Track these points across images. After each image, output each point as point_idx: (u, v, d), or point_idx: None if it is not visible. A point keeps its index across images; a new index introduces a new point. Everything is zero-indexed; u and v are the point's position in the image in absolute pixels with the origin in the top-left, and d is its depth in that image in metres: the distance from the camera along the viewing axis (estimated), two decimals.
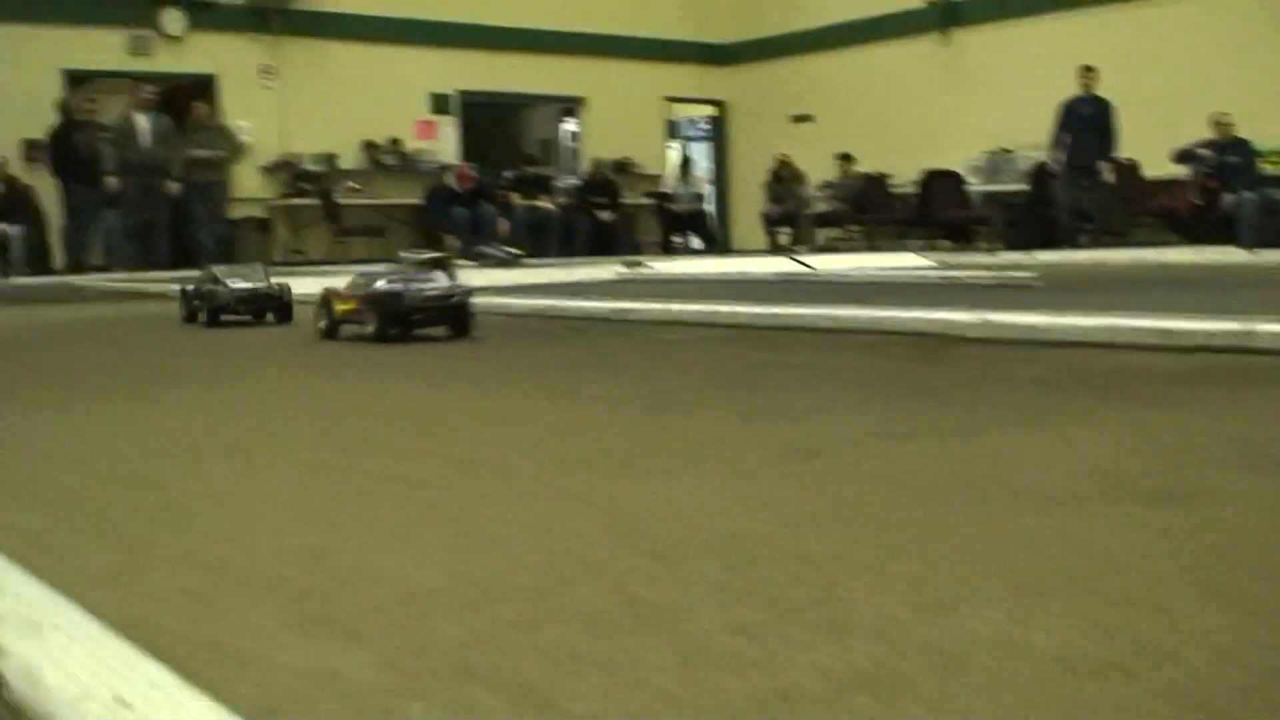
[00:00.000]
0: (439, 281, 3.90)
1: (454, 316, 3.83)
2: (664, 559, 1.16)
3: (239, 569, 1.19)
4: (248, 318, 4.83)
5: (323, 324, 4.03)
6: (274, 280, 4.97)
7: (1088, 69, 13.23)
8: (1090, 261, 9.45)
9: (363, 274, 4.13)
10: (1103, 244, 13.01)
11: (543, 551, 1.20)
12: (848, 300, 5.87)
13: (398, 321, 3.76)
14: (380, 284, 3.86)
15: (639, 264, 9.06)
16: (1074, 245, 13.04)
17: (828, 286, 6.96)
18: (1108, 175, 13.02)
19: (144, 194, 12.66)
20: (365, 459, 1.79)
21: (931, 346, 3.32)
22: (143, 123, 12.48)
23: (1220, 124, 12.61)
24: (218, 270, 5.06)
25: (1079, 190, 13.17)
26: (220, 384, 3.01)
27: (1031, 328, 3.35)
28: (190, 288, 5.12)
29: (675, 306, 4.41)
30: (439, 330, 3.82)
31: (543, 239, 15.77)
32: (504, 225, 14.64)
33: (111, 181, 12.49)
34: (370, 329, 3.77)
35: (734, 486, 1.50)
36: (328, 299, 4.06)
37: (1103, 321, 3.26)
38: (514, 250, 11.21)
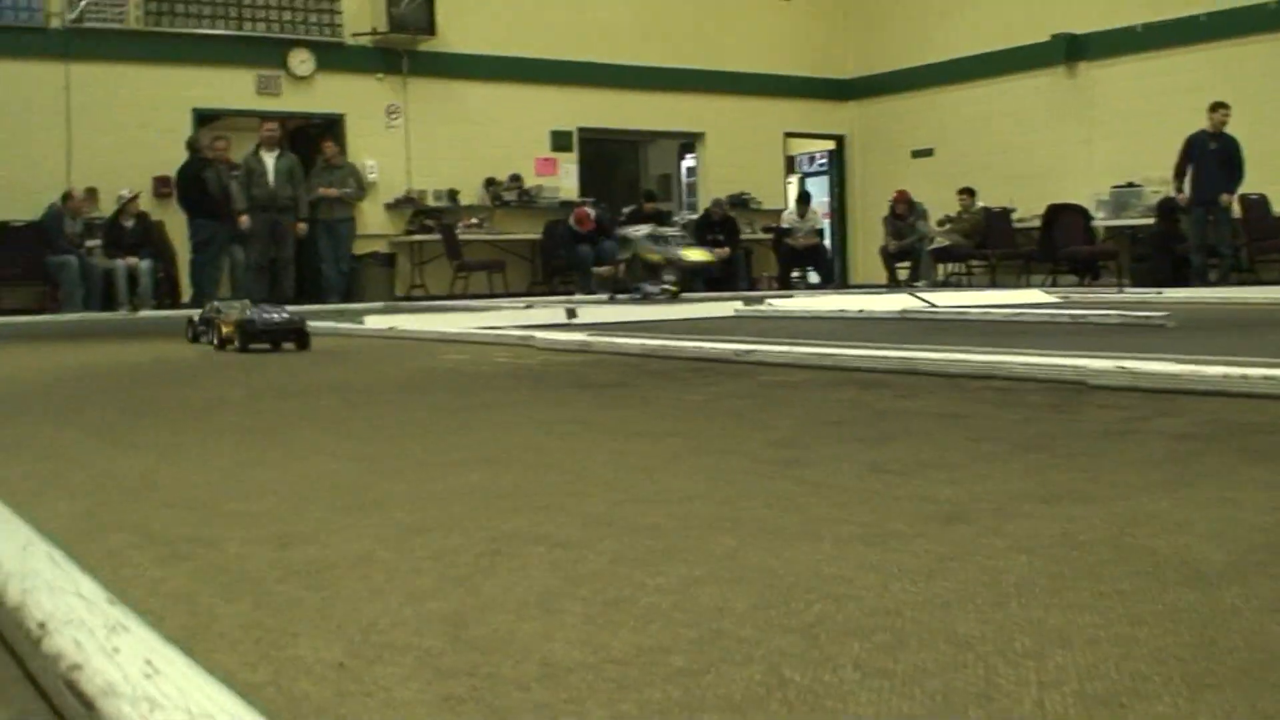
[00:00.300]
0: (282, 312, 6.01)
1: (296, 336, 5.80)
2: (812, 637, 1.12)
3: (382, 637, 1.17)
4: (266, 345, 5.80)
5: (213, 340, 6.01)
6: (291, 312, 6.21)
7: (1219, 105, 12.99)
8: (1220, 300, 9.20)
9: (225, 307, 6.23)
10: (1231, 281, 12.71)
11: (690, 625, 1.17)
12: (971, 341, 5.80)
13: (254, 338, 5.72)
14: (243, 313, 5.90)
15: (758, 301, 9.00)
16: (1203, 282, 12.77)
17: (950, 326, 6.86)
18: (1230, 206, 12.78)
19: (271, 230, 12.92)
20: (501, 515, 1.78)
21: (1065, 395, 3.24)
22: (269, 161, 12.74)
23: None
24: (219, 304, 6.46)
25: (1206, 225, 12.93)
26: (336, 423, 3.04)
27: (1173, 376, 3.25)
28: (195, 317, 6.67)
29: (797, 349, 4.36)
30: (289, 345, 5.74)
31: (662, 276, 15.78)
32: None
33: (244, 220, 12.75)
34: (236, 344, 5.73)
35: (875, 554, 1.46)
36: (218, 323, 6.03)
37: (1250, 371, 3.15)
38: (671, 287, 11.27)
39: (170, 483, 2.17)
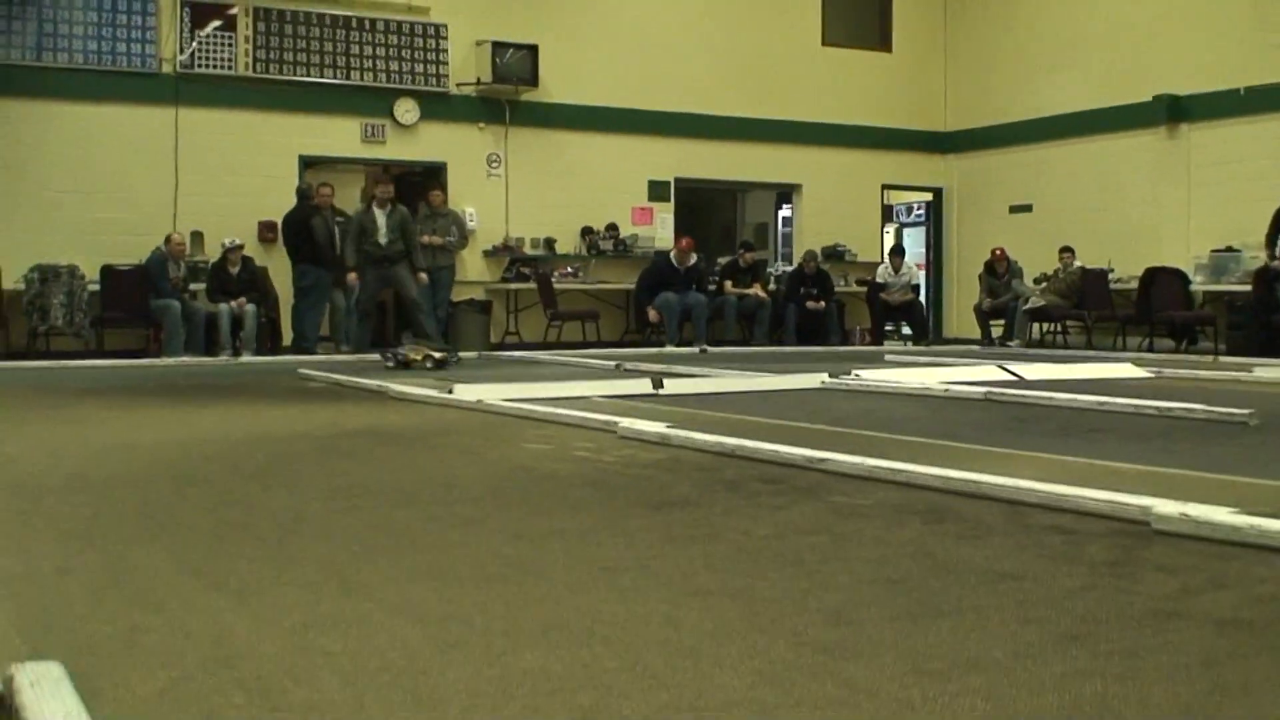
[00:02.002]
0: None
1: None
2: None
3: None
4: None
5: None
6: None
7: None
8: None
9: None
10: None
11: None
12: (1050, 437, 5.79)
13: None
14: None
15: (846, 373, 9.03)
16: None
17: (1032, 413, 6.84)
18: None
19: (384, 278, 13.10)
20: (545, 716, 1.86)
21: (1127, 543, 3.25)
22: (380, 217, 12.92)
23: None
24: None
25: None
26: (406, 554, 3.15)
27: (1234, 529, 3.25)
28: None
29: (869, 461, 4.41)
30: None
31: (753, 326, 15.87)
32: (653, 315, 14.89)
33: (352, 278, 12.97)
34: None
35: None
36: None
37: None
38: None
39: (243, 650, 2.28)
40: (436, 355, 10.39)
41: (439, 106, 15.27)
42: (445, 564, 3.01)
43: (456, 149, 15.40)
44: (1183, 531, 3.34)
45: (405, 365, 10.22)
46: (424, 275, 13.23)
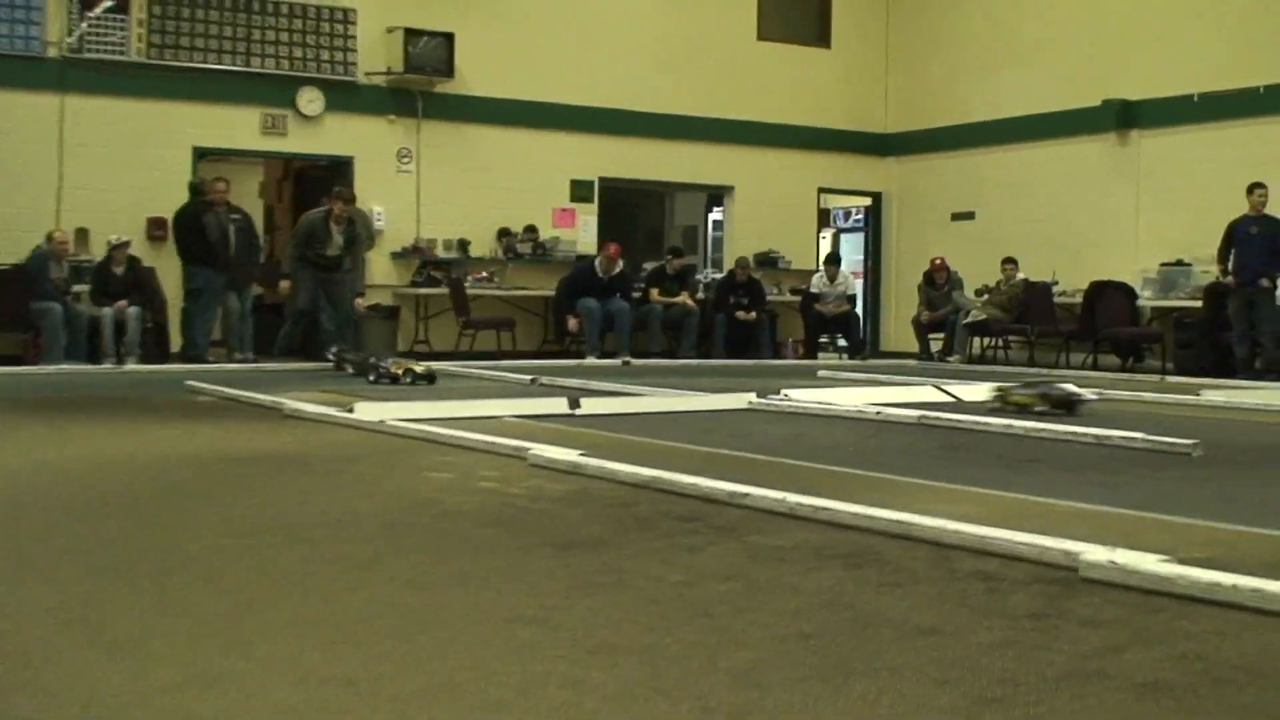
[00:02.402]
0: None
1: None
2: None
3: None
4: None
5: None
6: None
7: (1256, 186, 13.29)
8: (1261, 407, 9.25)
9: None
10: (1274, 373, 12.79)
11: None
12: (984, 467, 5.89)
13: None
14: None
15: (775, 391, 9.11)
16: (1248, 373, 12.87)
17: (966, 441, 6.95)
18: (1268, 286, 12.99)
19: (317, 284, 12.93)
20: None
21: (1054, 591, 3.33)
22: (336, 234, 12.72)
23: None
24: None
25: (1248, 312, 13.15)
26: (291, 600, 3.16)
27: (1164, 579, 3.33)
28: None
29: (792, 498, 4.47)
30: None
31: (680, 337, 15.94)
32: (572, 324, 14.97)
33: (284, 285, 13.06)
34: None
35: None
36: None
37: (1241, 580, 3.22)
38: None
39: (112, 715, 2.28)
40: (419, 370, 10.36)
41: (346, 97, 15.21)
42: (334, 615, 3.03)
43: (364, 143, 15.35)
44: (1110, 580, 3.43)
45: (394, 380, 10.15)
46: (360, 301, 13.25)
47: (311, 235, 12.76)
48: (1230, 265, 13.43)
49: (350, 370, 11.19)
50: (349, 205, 13.02)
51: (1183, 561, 3.50)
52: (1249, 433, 7.93)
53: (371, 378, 10.41)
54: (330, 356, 11.93)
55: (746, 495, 4.62)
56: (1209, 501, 5.08)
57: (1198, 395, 10.06)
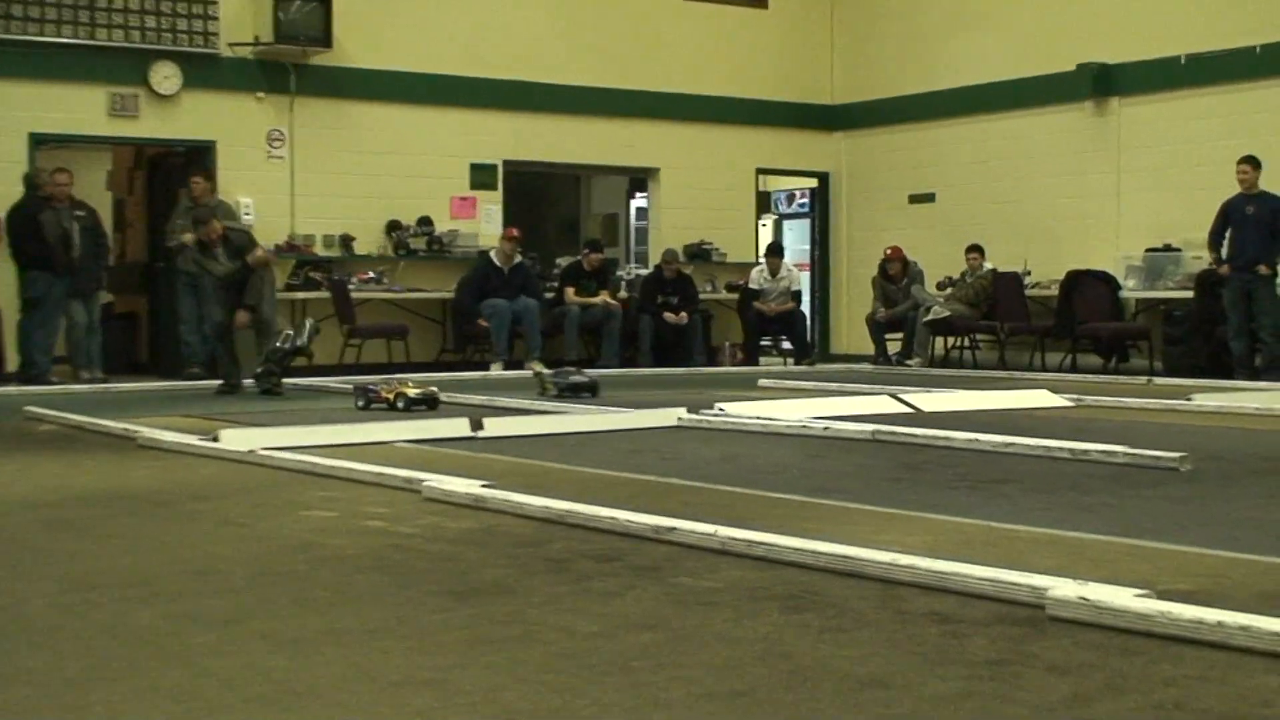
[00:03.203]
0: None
1: None
2: None
3: None
4: None
5: None
6: None
7: (1243, 160, 13.45)
8: (1259, 413, 9.42)
9: None
10: (1275, 371, 13.02)
11: None
12: (946, 487, 5.98)
13: None
14: None
15: (709, 405, 9.17)
16: (1246, 372, 13.08)
17: (926, 458, 7.03)
18: (1267, 272, 13.20)
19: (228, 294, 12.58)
20: None
21: (1016, 634, 3.39)
22: (221, 255, 12.32)
23: None
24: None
25: (1244, 302, 13.34)
26: (136, 676, 3.16)
27: (1141, 617, 3.41)
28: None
29: (724, 531, 4.52)
30: None
31: (600, 343, 15.98)
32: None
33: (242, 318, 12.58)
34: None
35: None
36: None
37: (1226, 616, 3.30)
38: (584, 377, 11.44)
39: None
40: (412, 394, 9.89)
41: (207, 72, 15.11)
42: (192, 683, 3.03)
43: (228, 124, 15.25)
44: (1081, 619, 3.50)
45: (390, 405, 9.79)
46: (243, 316, 12.76)
47: (198, 266, 12.35)
48: (1225, 250, 13.62)
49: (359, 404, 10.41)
50: (212, 226, 12.26)
51: (1164, 595, 3.58)
52: (1246, 442, 8.07)
53: (361, 403, 10.00)
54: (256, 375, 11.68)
55: (672, 530, 4.66)
56: (1197, 524, 5.18)
57: (1188, 399, 10.22)
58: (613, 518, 4.89)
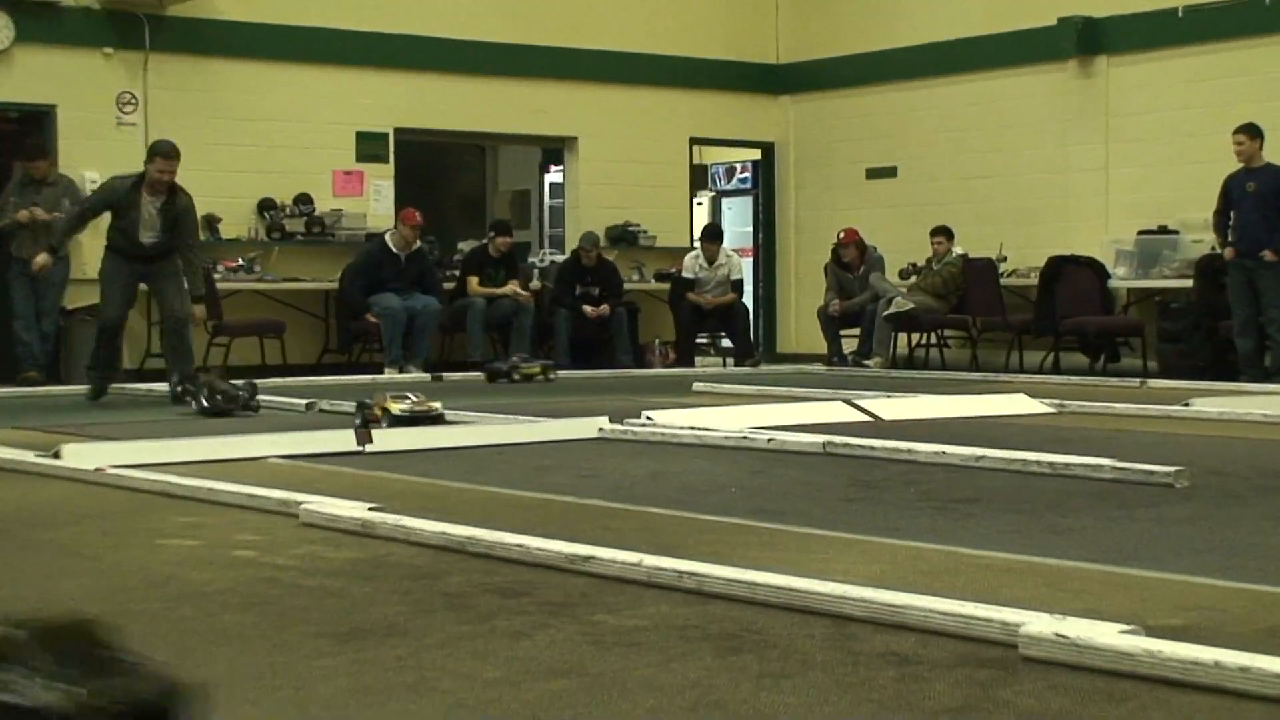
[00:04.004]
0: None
1: None
2: None
3: None
4: None
5: None
6: None
7: (1243, 131, 13.52)
8: (1268, 421, 9.54)
9: None
10: None
11: None
12: (907, 510, 6.02)
13: None
14: None
15: (635, 414, 9.21)
16: (1254, 374, 13.20)
17: (884, 475, 7.08)
18: (1272, 259, 13.31)
19: (132, 285, 12.26)
20: None
21: (983, 677, 3.43)
22: (149, 207, 11.93)
23: None
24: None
25: (1247, 293, 13.43)
26: None
27: (1124, 655, 3.45)
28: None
29: (649, 560, 4.54)
30: None
31: (509, 341, 15.96)
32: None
33: (41, 260, 12.44)
34: None
35: None
36: None
37: (1224, 655, 3.35)
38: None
39: None
40: (397, 409, 9.12)
41: (44, 24, 15.00)
42: None
43: (70, 86, 15.15)
44: (1058, 658, 3.54)
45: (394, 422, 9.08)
46: (43, 258, 12.47)
47: (107, 208, 12.01)
48: (1231, 234, 13.71)
49: (203, 404, 10.38)
50: (170, 169, 11.91)
51: (1153, 632, 3.63)
52: (1251, 454, 8.16)
53: (359, 421, 9.08)
54: (177, 389, 11.36)
55: (590, 559, 4.68)
56: (1193, 550, 5.24)
57: (1186, 405, 10.33)
58: (521, 545, 4.90)
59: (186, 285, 12.07)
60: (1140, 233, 15.50)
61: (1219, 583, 4.51)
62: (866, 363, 16.23)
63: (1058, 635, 3.58)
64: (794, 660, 3.64)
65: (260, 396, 10.79)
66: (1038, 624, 3.65)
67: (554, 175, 19.45)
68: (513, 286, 16.09)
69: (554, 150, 18.90)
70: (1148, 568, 4.73)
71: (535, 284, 16.78)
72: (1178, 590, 4.44)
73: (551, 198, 19.75)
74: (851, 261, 16.76)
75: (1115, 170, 16.02)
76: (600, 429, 8.87)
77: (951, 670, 3.51)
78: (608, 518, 5.84)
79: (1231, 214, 13.71)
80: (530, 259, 17.75)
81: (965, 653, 3.65)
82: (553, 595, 4.39)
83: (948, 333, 16.65)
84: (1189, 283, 14.55)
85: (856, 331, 16.74)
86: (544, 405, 10.58)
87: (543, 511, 6.03)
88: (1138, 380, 13.23)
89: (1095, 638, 3.55)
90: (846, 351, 16.72)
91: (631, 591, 4.42)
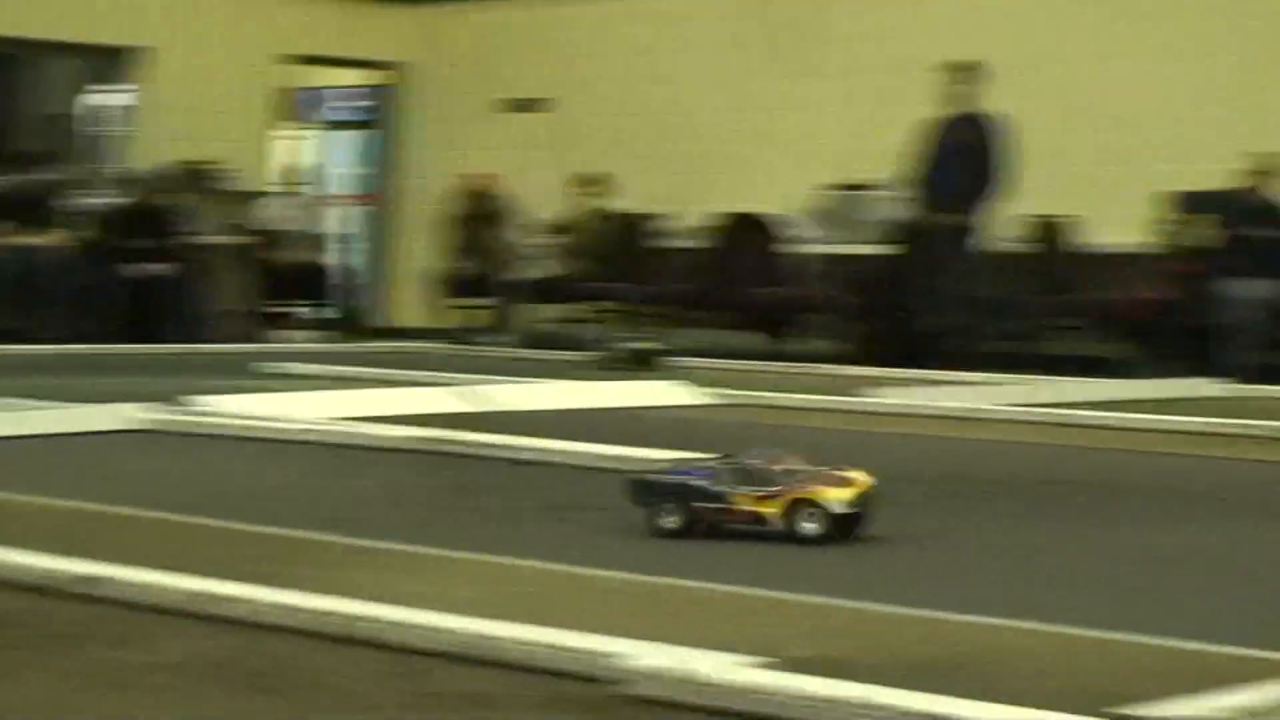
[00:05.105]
0: None
1: None
2: None
3: None
4: None
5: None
6: None
7: (958, 68, 13.80)
8: (954, 414, 9.79)
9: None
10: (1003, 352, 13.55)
11: None
12: (498, 522, 6.04)
13: None
14: None
15: (183, 402, 9.09)
16: (935, 358, 13.47)
17: (485, 478, 7.12)
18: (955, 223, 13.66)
19: None
20: None
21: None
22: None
23: (1259, 171, 13.36)
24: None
25: (929, 259, 13.79)
26: None
27: (752, 694, 3.49)
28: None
29: (172, 581, 4.48)
30: None
31: (33, 301, 15.64)
32: None
33: None
34: None
35: None
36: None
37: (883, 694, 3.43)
38: None
39: None
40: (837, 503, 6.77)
41: None
42: None
43: None
44: (671, 697, 3.57)
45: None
46: None
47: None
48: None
49: None
50: None
51: (790, 664, 3.68)
52: (935, 454, 8.40)
53: (671, 523, 8.01)
54: None
55: (101, 580, 4.60)
56: (853, 569, 5.35)
57: (870, 395, 10.54)
58: (19, 564, 4.81)
59: None
60: (831, 187, 15.72)
61: (878, 608, 4.59)
62: (499, 340, 16.21)
63: (669, 670, 3.61)
64: (344, 700, 3.61)
65: None
66: (646, 656, 3.68)
67: (104, 97, 19.11)
68: (45, 237, 15.80)
69: (105, 66, 18.58)
70: (794, 590, 4.79)
71: (77, 233, 16.44)
72: (826, 615, 4.51)
73: (100, 127, 19.40)
74: (485, 214, 16.77)
75: (804, 114, 16.23)
76: (133, 418, 8.70)
77: (541, 712, 3.51)
78: (128, 530, 5.74)
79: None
80: (68, 202, 17.40)
81: (558, 691, 3.65)
82: (52, 626, 4.29)
83: (604, 305, 16.62)
84: (887, 250, 14.78)
85: (487, 301, 16.75)
86: (67, 389, 10.34)
87: (45, 521, 5.88)
88: (822, 365, 13.40)
89: (717, 673, 3.59)
90: (473, 326, 16.69)
91: (148, 621, 4.34)
